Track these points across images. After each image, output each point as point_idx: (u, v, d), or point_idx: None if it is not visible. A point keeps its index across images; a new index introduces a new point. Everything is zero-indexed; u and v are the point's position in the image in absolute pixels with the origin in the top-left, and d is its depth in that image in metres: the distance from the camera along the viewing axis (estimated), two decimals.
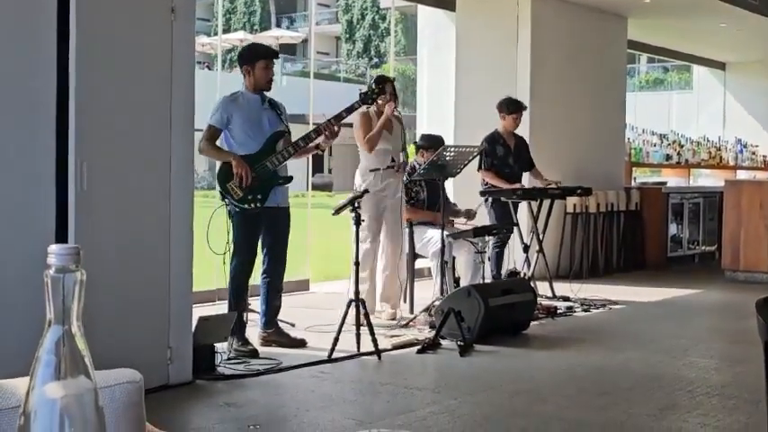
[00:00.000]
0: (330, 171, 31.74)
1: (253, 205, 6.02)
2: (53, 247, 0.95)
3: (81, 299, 0.95)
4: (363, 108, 6.95)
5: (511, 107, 8.68)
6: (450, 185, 8.43)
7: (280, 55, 7.63)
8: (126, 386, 1.63)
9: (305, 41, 33.80)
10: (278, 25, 40.46)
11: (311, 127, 8.95)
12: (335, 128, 6.25)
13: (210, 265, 7.58)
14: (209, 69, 25.94)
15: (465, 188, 8.88)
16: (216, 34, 22.11)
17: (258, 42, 7.92)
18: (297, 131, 6.43)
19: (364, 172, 7.35)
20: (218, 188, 6.11)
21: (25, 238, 4.45)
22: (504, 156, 8.68)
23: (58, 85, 4.63)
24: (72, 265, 0.95)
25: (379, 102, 7.09)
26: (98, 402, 0.95)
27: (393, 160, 7.40)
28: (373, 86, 6.77)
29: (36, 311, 0.96)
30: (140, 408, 1.65)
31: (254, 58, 6.23)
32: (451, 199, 8.40)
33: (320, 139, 6.33)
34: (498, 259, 8.55)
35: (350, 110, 6.55)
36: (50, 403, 0.94)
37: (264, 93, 6.25)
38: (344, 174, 9.44)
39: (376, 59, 39.30)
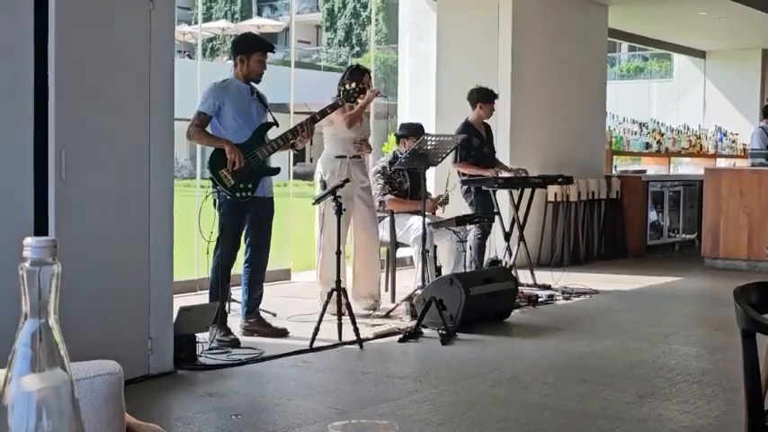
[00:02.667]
0: (311, 160, 31.65)
1: (244, 194, 6.02)
2: (29, 240, 0.94)
3: (57, 291, 0.94)
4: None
5: (487, 96, 8.66)
6: (431, 177, 8.41)
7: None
8: (105, 378, 1.62)
9: (286, 30, 33.66)
10: (259, 14, 40.24)
11: (291, 115, 8.97)
12: (314, 127, 6.31)
13: (191, 254, 7.55)
14: (190, 58, 25.82)
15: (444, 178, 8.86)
16: (196, 23, 22.01)
17: (255, 34, 7.89)
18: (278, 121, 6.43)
19: (328, 159, 7.22)
20: (209, 175, 6.11)
21: (3, 228, 4.42)
22: (480, 146, 8.68)
23: (36, 73, 4.59)
24: (48, 257, 0.94)
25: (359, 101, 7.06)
26: (74, 394, 0.95)
27: (359, 149, 7.30)
28: (354, 86, 6.71)
29: (16, 303, 0.96)
30: (120, 399, 1.64)
31: (252, 49, 6.22)
32: (431, 191, 8.39)
33: (298, 138, 6.29)
34: (480, 248, 8.55)
35: (333, 107, 6.64)
36: (27, 395, 0.94)
37: (252, 84, 6.25)
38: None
39: (357, 48, 39.16)
